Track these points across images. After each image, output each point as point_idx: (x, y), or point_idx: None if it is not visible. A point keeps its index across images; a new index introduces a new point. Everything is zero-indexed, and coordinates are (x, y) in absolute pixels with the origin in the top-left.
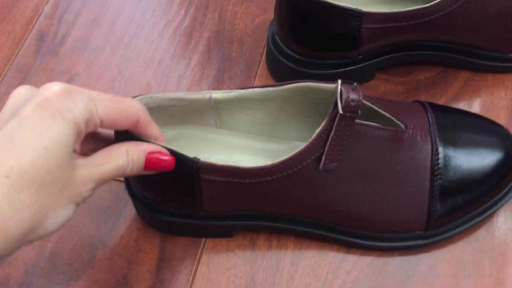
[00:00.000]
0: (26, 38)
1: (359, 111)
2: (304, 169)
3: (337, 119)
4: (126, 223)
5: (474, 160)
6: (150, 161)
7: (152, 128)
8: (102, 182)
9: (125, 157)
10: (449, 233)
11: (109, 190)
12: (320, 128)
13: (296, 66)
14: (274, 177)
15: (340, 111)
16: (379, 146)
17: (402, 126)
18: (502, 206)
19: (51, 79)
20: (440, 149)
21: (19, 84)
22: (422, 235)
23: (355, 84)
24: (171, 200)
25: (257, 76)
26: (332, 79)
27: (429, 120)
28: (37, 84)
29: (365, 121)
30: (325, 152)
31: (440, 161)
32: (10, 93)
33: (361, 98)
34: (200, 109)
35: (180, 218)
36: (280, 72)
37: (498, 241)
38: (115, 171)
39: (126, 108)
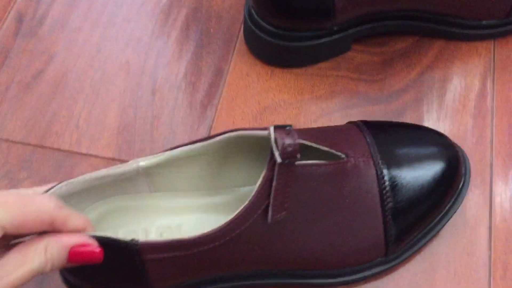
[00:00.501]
0: (5, 20)
1: (298, 154)
2: (252, 225)
3: (276, 168)
4: None
5: (419, 174)
6: (74, 255)
7: (72, 222)
8: None
9: (43, 256)
10: (409, 252)
11: (90, 166)
12: (260, 179)
13: (272, 39)
14: (223, 240)
15: (278, 159)
16: (324, 183)
17: (343, 156)
18: (455, 213)
19: (31, 59)
20: (385, 172)
21: (0, 65)
22: (383, 261)
23: (287, 127)
24: None
25: (235, 51)
26: (309, 51)
27: (367, 142)
28: (18, 66)
29: (305, 157)
30: (271, 204)
31: (387, 183)
32: None
33: (297, 141)
34: (130, 177)
35: None
36: (257, 46)
37: (449, 252)
38: (30, 275)
39: (35, 211)
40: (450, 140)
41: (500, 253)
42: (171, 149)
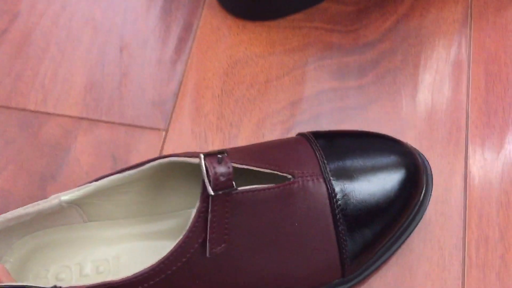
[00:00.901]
0: None
1: (233, 183)
2: (190, 260)
3: (210, 200)
4: (75, 157)
5: (375, 189)
6: None
7: None
8: None
9: None
10: (368, 270)
11: (57, 126)
12: (193, 212)
13: None
14: (158, 279)
15: (211, 192)
16: (268, 209)
17: (289, 176)
18: (416, 226)
19: None
20: (337, 189)
21: None
22: (340, 282)
23: (219, 155)
24: None
25: (205, 4)
26: (280, 2)
27: (317, 158)
28: None
29: (247, 179)
30: (208, 238)
31: (340, 202)
32: None
33: (231, 169)
34: (56, 210)
35: None
36: None
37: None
38: None
39: None
40: (408, 147)
41: (475, 201)
42: (97, 179)
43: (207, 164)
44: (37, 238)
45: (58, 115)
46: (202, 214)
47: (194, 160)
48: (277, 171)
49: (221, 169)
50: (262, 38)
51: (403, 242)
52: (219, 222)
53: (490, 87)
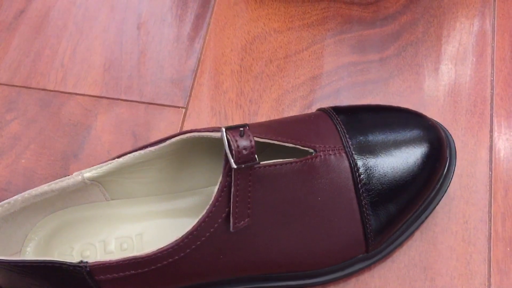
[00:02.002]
0: None
1: (256, 156)
2: (214, 235)
3: (233, 173)
4: (97, 135)
5: (398, 163)
6: None
7: None
8: None
9: None
10: (392, 245)
11: (77, 105)
12: (217, 187)
13: None
14: (182, 254)
15: (234, 165)
16: (291, 183)
17: (311, 151)
18: (439, 200)
19: None
20: (360, 163)
21: None
22: (364, 257)
23: (241, 128)
24: None
25: None
26: None
27: (339, 132)
28: None
29: (269, 154)
30: (231, 212)
31: (363, 176)
32: None
33: (253, 142)
34: (79, 188)
35: None
36: None
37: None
38: None
39: None
40: (430, 120)
41: (501, 174)
42: (119, 156)
43: (229, 137)
44: (60, 217)
45: (78, 94)
46: (225, 189)
47: (216, 134)
48: (299, 145)
49: (243, 142)
50: (280, 13)
51: (427, 216)
52: (242, 196)
53: None
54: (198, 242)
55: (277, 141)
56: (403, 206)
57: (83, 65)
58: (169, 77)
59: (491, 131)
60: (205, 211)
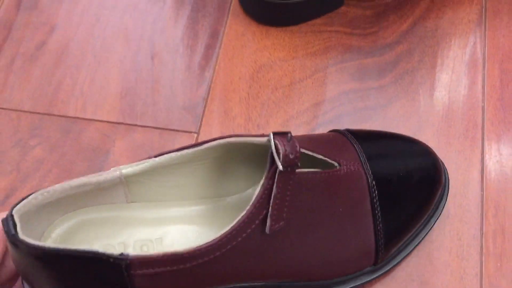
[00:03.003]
0: None
1: (298, 162)
2: (249, 236)
3: (277, 176)
4: (114, 159)
5: (404, 181)
6: None
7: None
8: None
9: None
10: (395, 260)
11: (96, 131)
12: (259, 188)
13: None
14: (218, 253)
15: (280, 167)
16: (319, 192)
17: (336, 164)
18: (435, 222)
19: (33, 31)
20: (374, 178)
21: (4, 39)
22: (371, 270)
23: (289, 135)
24: None
25: (230, 12)
26: (301, 8)
27: (357, 151)
28: (22, 38)
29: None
30: (269, 214)
31: (377, 193)
32: None
33: (298, 149)
34: (107, 186)
35: None
36: (251, 6)
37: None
38: None
39: None
40: (426, 146)
41: (492, 194)
42: (156, 156)
43: (277, 142)
44: (79, 216)
45: (97, 120)
46: (266, 191)
47: (258, 140)
48: (327, 158)
49: (290, 147)
50: (285, 43)
51: (426, 235)
52: (282, 199)
53: (505, 85)
54: (234, 243)
55: (311, 152)
56: (408, 220)
57: (101, 93)
58: (182, 104)
59: (483, 154)
60: (245, 211)
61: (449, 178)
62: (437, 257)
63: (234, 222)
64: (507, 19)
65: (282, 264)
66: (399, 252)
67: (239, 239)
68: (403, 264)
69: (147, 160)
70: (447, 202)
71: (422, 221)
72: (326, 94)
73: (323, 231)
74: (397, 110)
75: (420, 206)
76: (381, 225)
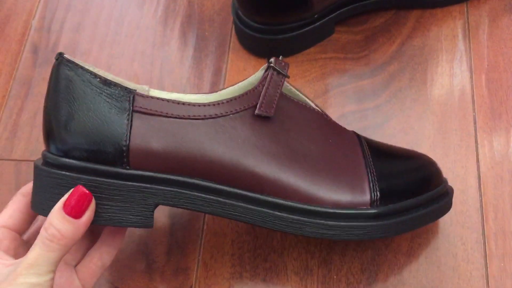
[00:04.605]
0: (22, 53)
1: (288, 75)
2: (243, 115)
3: (270, 71)
4: None
5: (400, 159)
6: (72, 211)
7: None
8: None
9: (40, 242)
10: (398, 218)
11: None
12: (261, 77)
13: (262, 35)
14: (216, 115)
15: (273, 62)
16: (311, 119)
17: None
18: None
19: None
20: (368, 147)
21: (25, 95)
22: (370, 215)
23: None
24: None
25: (230, 49)
26: (296, 41)
27: (357, 135)
28: (42, 93)
29: None
30: (261, 95)
31: (369, 151)
32: (18, 106)
33: (288, 64)
34: None
35: (105, 177)
36: (249, 42)
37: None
38: (39, 260)
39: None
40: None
41: (490, 198)
42: None
43: (273, 60)
44: None
45: None
46: (261, 85)
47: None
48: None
49: (283, 62)
50: None
51: (432, 210)
52: (272, 95)
53: (493, 93)
54: (230, 112)
55: (305, 96)
56: (401, 178)
57: None
58: None
59: (478, 161)
60: (243, 92)
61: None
62: (444, 262)
63: (228, 94)
64: (489, 31)
65: (265, 157)
66: (403, 211)
67: (235, 111)
68: (413, 272)
69: None
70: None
71: (421, 190)
72: None
73: (311, 143)
74: (394, 127)
75: (416, 180)
76: (371, 161)
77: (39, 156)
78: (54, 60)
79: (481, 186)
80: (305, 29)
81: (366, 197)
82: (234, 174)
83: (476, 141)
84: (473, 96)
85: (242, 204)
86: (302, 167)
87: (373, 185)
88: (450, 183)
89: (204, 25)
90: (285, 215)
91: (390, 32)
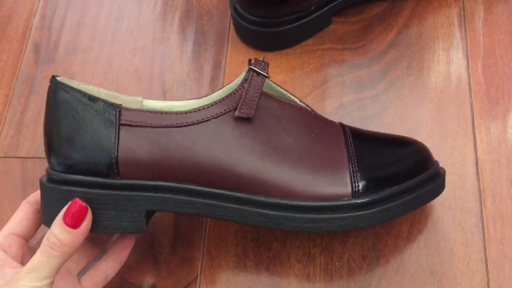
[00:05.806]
0: (24, 52)
1: (268, 74)
2: (224, 117)
3: (250, 73)
4: None
5: (384, 146)
6: (71, 222)
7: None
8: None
9: (42, 249)
10: (379, 206)
11: None
12: (238, 84)
13: (259, 28)
14: (196, 120)
15: (253, 64)
16: (292, 116)
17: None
18: (430, 189)
19: None
20: (352, 137)
21: (29, 93)
22: (352, 205)
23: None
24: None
25: (229, 43)
26: (293, 33)
27: (342, 126)
28: (45, 91)
29: None
30: (241, 98)
31: (352, 142)
32: (22, 104)
33: (268, 64)
34: None
35: (99, 189)
36: (247, 36)
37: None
38: (41, 268)
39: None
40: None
41: (487, 183)
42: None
43: (253, 61)
44: None
45: None
46: (241, 88)
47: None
48: (310, 109)
49: (263, 63)
50: (282, 66)
51: (415, 197)
52: (252, 93)
53: (489, 80)
54: (211, 116)
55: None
56: (384, 167)
57: None
58: None
59: (475, 146)
60: (224, 95)
61: (447, 173)
62: (444, 247)
63: (215, 97)
64: (484, 17)
65: (246, 157)
66: (384, 199)
67: (214, 115)
68: (414, 256)
69: None
70: (447, 194)
71: (404, 177)
72: (326, 108)
73: (293, 139)
74: (392, 115)
75: (401, 168)
76: (353, 153)
77: (43, 153)
78: (55, 58)
79: (479, 171)
80: (302, 21)
81: (348, 189)
82: (217, 176)
83: (473, 127)
84: (469, 83)
85: (226, 205)
86: (284, 162)
87: (354, 176)
88: (448, 169)
89: (203, 19)
90: (267, 211)
91: (386, 21)
